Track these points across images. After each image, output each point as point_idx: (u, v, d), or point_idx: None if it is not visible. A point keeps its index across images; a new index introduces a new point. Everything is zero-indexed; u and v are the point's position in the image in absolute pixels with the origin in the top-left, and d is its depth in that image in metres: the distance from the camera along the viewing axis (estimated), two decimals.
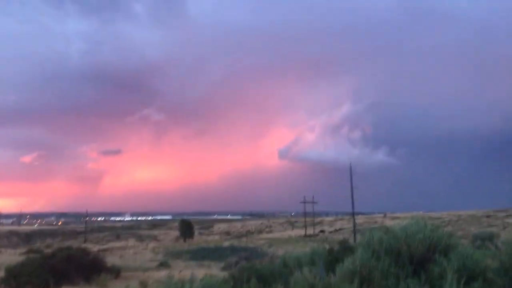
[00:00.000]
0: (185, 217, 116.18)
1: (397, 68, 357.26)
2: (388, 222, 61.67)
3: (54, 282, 13.39)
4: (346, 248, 10.81)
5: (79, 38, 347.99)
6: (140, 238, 78.05)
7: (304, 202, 65.19)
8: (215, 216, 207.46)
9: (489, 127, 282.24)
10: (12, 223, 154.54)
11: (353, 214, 50.15)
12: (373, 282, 5.35)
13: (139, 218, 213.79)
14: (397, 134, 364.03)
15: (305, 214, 68.99)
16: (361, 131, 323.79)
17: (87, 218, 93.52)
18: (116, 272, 16.87)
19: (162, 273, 17.28)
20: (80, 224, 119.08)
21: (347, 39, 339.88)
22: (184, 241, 61.05)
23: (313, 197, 65.24)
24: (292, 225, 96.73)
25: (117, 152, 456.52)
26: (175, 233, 77.87)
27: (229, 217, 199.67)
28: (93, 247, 48.36)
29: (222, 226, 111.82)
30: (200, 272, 18.47)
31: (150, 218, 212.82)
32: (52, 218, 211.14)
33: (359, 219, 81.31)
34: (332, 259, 8.56)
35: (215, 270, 19.26)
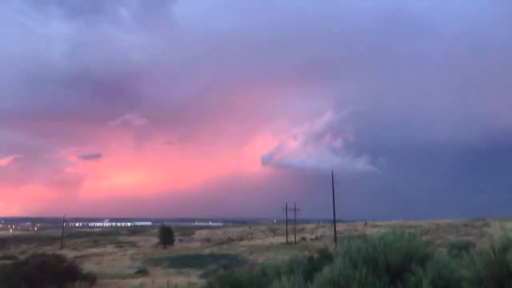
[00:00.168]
0: (165, 224, 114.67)
1: (379, 78, 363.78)
2: (369, 231, 62.22)
3: None
4: (325, 257, 10.81)
5: (62, 40, 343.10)
6: (119, 245, 76.59)
7: (286, 209, 65.21)
8: (196, 223, 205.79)
9: (468, 137, 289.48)
10: None
11: (334, 221, 50.42)
12: None
13: (118, 224, 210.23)
14: (378, 142, 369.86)
15: (286, 221, 69.02)
16: (343, 139, 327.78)
17: (64, 224, 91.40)
18: (91, 280, 16.49)
19: (140, 281, 16.98)
20: (57, 229, 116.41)
21: (330, 48, 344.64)
22: (164, 248, 60.23)
23: (295, 204, 65.41)
24: (274, 232, 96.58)
25: (97, 156, 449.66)
26: (155, 239, 76.73)
27: (210, 223, 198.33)
28: (70, 254, 47.24)
29: (203, 233, 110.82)
30: (179, 279, 18.21)
31: (129, 224, 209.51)
32: (28, 223, 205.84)
33: (340, 227, 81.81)
34: (311, 267, 8.53)
35: (194, 278, 19.01)
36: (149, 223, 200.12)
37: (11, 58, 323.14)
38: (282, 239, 69.78)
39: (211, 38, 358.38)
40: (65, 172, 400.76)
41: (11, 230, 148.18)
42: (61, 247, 70.52)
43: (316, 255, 12.70)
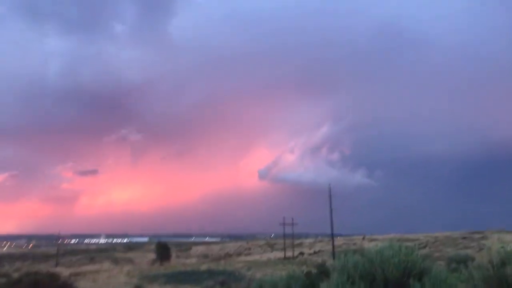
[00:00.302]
0: (162, 239, 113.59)
1: (376, 91, 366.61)
2: (367, 244, 61.85)
3: None
4: (323, 272, 10.70)
5: (57, 57, 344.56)
6: (115, 261, 75.61)
7: (284, 224, 64.84)
8: (193, 239, 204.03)
9: (465, 149, 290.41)
10: None
11: (332, 236, 50.16)
12: None
13: (114, 240, 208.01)
14: (375, 155, 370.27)
15: (284, 236, 68.55)
16: (340, 153, 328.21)
17: (60, 240, 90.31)
18: None
19: None
20: (52, 246, 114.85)
21: (327, 61, 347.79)
22: (161, 264, 59.53)
23: (292, 219, 65.06)
24: (272, 247, 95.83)
25: (93, 172, 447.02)
26: (152, 255, 75.88)
27: (207, 239, 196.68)
28: (65, 271, 46.53)
29: (200, 249, 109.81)
30: None
31: (126, 240, 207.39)
32: (23, 241, 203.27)
33: (338, 241, 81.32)
34: (309, 283, 8.43)
35: None
36: (146, 239, 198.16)
37: (5, 73, 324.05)
38: (280, 254, 69.19)
39: (208, 52, 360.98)
40: (61, 188, 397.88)
41: (5, 248, 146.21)
42: (56, 265, 69.53)
43: (314, 270, 12.57)
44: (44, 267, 58.33)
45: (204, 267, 38.03)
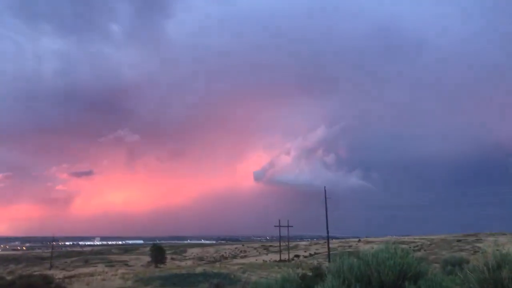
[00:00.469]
0: (157, 242, 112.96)
1: (371, 94, 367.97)
2: (362, 247, 61.90)
3: None
4: (318, 275, 10.65)
5: (53, 57, 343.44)
6: (110, 264, 75.17)
7: (279, 226, 64.68)
8: (188, 241, 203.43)
9: (460, 153, 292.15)
10: None
11: (327, 238, 50.06)
12: None
13: (109, 243, 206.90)
14: (370, 158, 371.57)
15: (279, 238, 68.41)
16: (335, 155, 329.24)
17: (54, 243, 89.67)
18: None
19: None
20: (47, 249, 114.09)
21: (323, 64, 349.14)
22: (156, 266, 59.23)
23: (288, 221, 64.87)
24: (267, 249, 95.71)
25: (88, 173, 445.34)
26: (147, 258, 75.51)
27: (202, 241, 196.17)
28: (59, 274, 46.19)
29: (195, 251, 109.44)
30: None
31: (121, 242, 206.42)
32: (17, 243, 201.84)
33: (334, 244, 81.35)
34: (304, 286, 8.38)
35: None
36: (141, 242, 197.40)
37: (1, 74, 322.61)
38: (276, 257, 69.09)
39: (204, 54, 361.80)
40: (56, 189, 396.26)
41: None
42: (50, 267, 69.00)
43: (309, 273, 12.53)
44: (38, 270, 57.94)
45: (199, 269, 37.80)
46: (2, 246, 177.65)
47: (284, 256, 65.38)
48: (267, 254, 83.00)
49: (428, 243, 71.57)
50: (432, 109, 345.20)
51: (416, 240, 76.00)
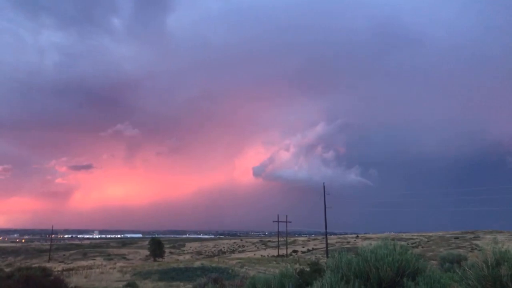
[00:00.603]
0: (156, 236, 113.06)
1: (371, 91, 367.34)
2: (360, 243, 62.05)
3: None
4: (316, 270, 10.66)
5: (54, 50, 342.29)
6: (108, 257, 75.39)
7: (278, 222, 64.79)
8: (187, 235, 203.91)
9: (458, 150, 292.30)
10: None
11: (325, 234, 50.19)
12: None
13: (108, 236, 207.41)
14: (369, 154, 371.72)
15: (278, 234, 68.56)
16: (335, 151, 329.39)
17: (53, 236, 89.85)
18: None
19: None
20: (45, 241, 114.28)
21: (322, 60, 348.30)
22: (154, 260, 59.43)
23: (286, 217, 64.99)
24: (265, 244, 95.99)
25: (88, 167, 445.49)
26: (145, 252, 75.74)
27: (201, 236, 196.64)
28: (57, 266, 46.33)
29: (194, 246, 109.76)
30: None
31: (120, 236, 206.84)
32: (16, 235, 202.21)
33: (332, 239, 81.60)
34: (302, 282, 8.38)
35: None
36: (140, 235, 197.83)
37: (1, 67, 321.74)
38: (274, 252, 69.27)
39: (204, 49, 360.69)
40: (55, 183, 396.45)
41: None
42: (49, 260, 69.20)
43: (307, 269, 12.55)
44: (36, 262, 58.06)
45: (197, 263, 37.89)
46: (1, 238, 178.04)
47: (282, 251, 65.58)
48: (265, 249, 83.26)
49: (426, 240, 71.80)
50: (433, 107, 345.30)
51: (414, 237, 76.25)
